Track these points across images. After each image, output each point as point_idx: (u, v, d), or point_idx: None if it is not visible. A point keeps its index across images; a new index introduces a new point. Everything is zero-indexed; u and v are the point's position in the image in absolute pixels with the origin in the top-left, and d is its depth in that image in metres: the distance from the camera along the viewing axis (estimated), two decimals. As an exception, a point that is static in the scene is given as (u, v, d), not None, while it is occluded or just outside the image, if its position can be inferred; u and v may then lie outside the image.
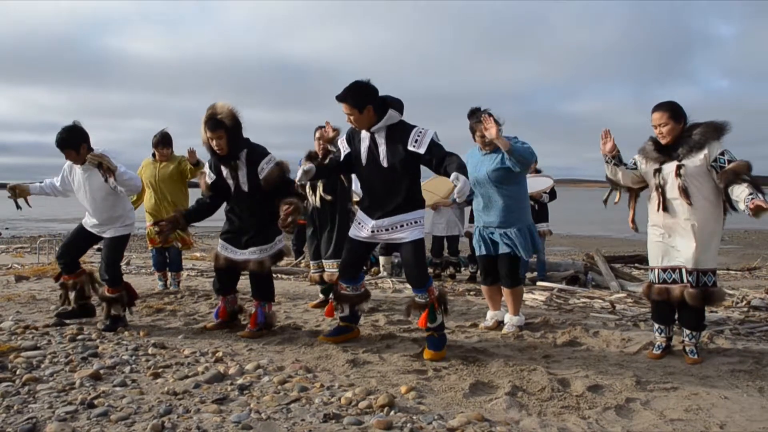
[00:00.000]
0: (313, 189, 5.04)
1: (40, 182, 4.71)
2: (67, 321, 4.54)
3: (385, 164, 3.72)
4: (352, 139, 3.91)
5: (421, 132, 3.65)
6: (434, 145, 3.62)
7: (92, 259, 8.38)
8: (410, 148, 3.63)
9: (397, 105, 3.73)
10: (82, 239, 4.67)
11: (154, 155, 6.14)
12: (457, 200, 3.55)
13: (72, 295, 4.71)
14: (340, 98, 3.67)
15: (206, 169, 4.38)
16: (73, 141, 4.30)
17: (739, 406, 3.01)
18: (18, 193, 4.59)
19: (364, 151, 3.80)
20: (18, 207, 4.60)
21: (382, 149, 3.72)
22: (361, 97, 3.64)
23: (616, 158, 3.90)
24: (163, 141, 6.05)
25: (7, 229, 23.16)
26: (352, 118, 3.70)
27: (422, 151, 3.62)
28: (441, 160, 3.58)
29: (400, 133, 3.68)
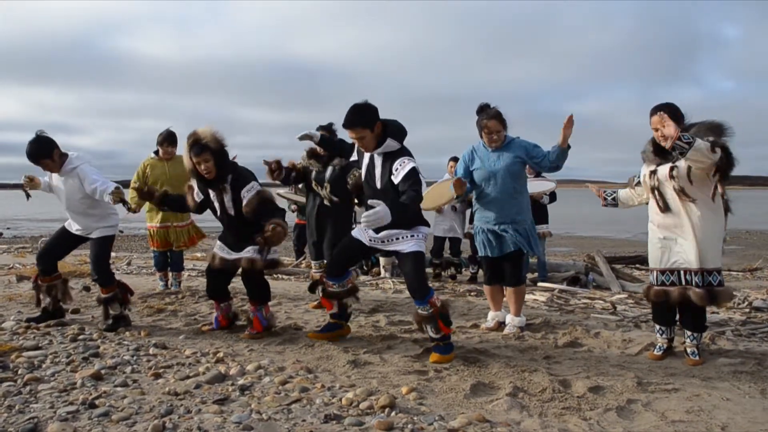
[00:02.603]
0: (321, 185, 5.04)
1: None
2: (40, 324, 4.50)
3: (378, 186, 3.78)
4: (360, 153, 3.97)
5: (403, 163, 3.64)
6: (407, 178, 3.59)
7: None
8: (392, 176, 3.67)
9: (398, 133, 3.74)
10: (64, 242, 4.69)
11: (156, 152, 6.14)
12: (363, 224, 3.46)
13: (46, 299, 4.66)
14: (348, 125, 3.65)
15: (194, 184, 4.35)
16: (46, 150, 4.32)
17: (741, 407, 3.01)
18: (33, 184, 4.62)
19: (364, 168, 3.88)
20: (28, 196, 4.66)
21: (378, 171, 3.77)
22: (368, 118, 3.66)
23: (613, 201, 4.21)
24: (170, 139, 6.06)
25: (8, 228, 23.22)
26: (363, 141, 3.70)
27: (397, 180, 3.64)
28: (403, 192, 3.57)
29: (393, 159, 3.69)
